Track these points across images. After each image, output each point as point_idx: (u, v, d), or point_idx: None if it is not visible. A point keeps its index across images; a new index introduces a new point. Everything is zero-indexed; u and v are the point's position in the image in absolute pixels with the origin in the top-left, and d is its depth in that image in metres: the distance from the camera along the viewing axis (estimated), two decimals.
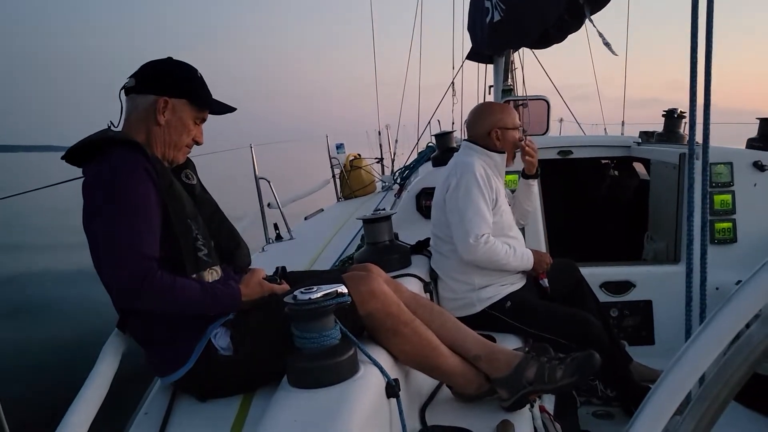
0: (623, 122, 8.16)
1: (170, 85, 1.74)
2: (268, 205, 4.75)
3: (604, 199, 4.73)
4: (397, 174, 5.72)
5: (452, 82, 8.28)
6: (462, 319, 2.52)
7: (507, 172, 3.39)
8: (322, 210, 6.58)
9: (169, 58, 1.80)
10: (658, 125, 4.13)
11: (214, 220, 1.87)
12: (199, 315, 1.68)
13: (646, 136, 4.21)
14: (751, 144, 3.57)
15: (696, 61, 1.52)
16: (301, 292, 1.53)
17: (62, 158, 1.68)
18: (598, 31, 2.69)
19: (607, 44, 2.61)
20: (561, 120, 8.77)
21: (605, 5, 2.80)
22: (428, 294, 2.59)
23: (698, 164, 3.35)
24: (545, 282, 2.75)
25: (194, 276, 1.66)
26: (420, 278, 2.61)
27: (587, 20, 2.87)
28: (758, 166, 3.31)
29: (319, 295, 1.51)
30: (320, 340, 1.52)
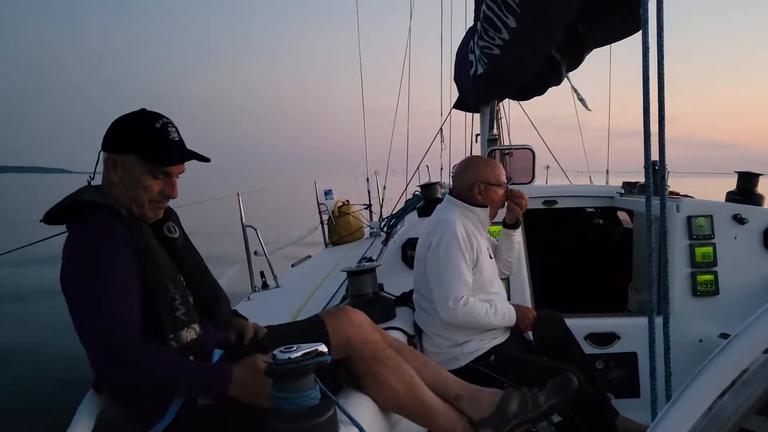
0: (608, 171, 8.29)
1: (117, 142, 1.70)
2: (255, 252, 4.74)
3: (589, 249, 4.76)
4: (384, 222, 5.75)
5: (440, 129, 8.40)
6: None
7: (492, 223, 3.43)
8: (310, 257, 6.58)
9: (140, 111, 1.76)
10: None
11: (196, 274, 1.87)
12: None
13: (629, 187, 4.27)
14: (731, 197, 3.63)
15: (648, 123, 1.57)
16: (281, 351, 1.52)
17: (41, 221, 1.68)
18: (573, 87, 2.77)
19: (581, 100, 2.68)
20: (548, 167, 8.89)
21: (581, 63, 2.89)
22: (413, 347, 2.58)
23: (680, 217, 3.44)
24: (530, 335, 2.75)
25: (171, 336, 1.65)
26: (404, 331, 2.61)
27: (565, 77, 2.96)
28: (738, 219, 3.36)
29: (298, 354, 1.51)
30: (299, 401, 1.50)
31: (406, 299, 2.96)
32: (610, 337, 3.35)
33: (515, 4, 2.84)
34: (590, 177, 7.69)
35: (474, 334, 2.61)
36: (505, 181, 2.81)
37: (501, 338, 2.68)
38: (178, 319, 1.67)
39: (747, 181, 3.60)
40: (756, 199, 3.53)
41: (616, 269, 4.21)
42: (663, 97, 1.53)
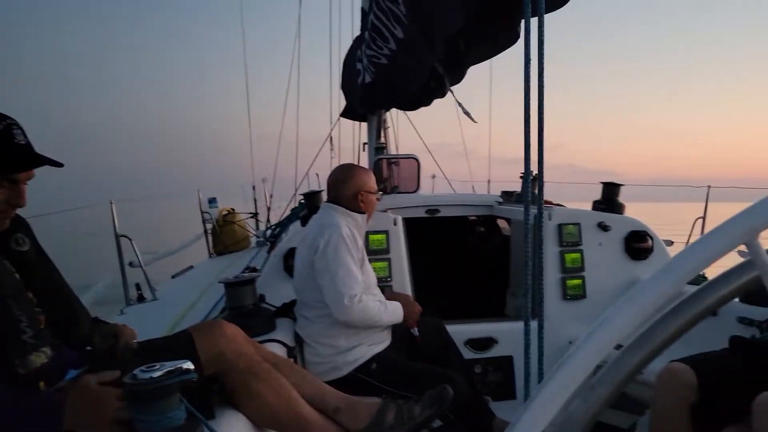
0: (489, 180, 8.62)
1: None
2: (130, 263, 4.49)
3: (470, 256, 4.91)
4: (269, 230, 5.64)
5: (330, 137, 8.38)
6: (329, 384, 2.48)
7: (375, 232, 3.44)
8: (192, 267, 6.33)
9: None
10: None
11: (49, 290, 1.72)
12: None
13: (507, 196, 4.45)
14: (596, 206, 3.87)
15: (529, 140, 1.63)
16: (142, 371, 1.42)
17: None
18: (457, 100, 2.85)
19: (466, 113, 2.76)
20: (434, 176, 9.11)
21: (463, 77, 2.98)
22: (292, 359, 2.53)
23: (551, 225, 3.61)
24: (416, 331, 2.79)
25: (17, 362, 1.49)
26: (284, 343, 2.55)
27: (449, 90, 3.04)
28: (602, 226, 3.59)
29: (161, 373, 1.42)
30: (162, 423, 1.41)
31: (287, 310, 2.90)
32: (488, 342, 3.46)
33: (403, 16, 2.88)
34: (473, 186, 7.96)
35: (357, 338, 2.61)
36: (376, 188, 2.86)
37: (383, 344, 2.69)
38: (25, 343, 1.51)
39: (610, 191, 3.85)
40: (618, 208, 3.79)
41: (496, 275, 4.37)
42: (542, 111, 1.59)
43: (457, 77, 3.08)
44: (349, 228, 2.64)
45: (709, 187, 4.88)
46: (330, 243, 2.56)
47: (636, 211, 3.91)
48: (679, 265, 0.56)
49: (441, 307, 3.87)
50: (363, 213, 2.76)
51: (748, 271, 0.59)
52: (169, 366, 1.44)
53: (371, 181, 2.80)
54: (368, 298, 2.58)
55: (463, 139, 7.16)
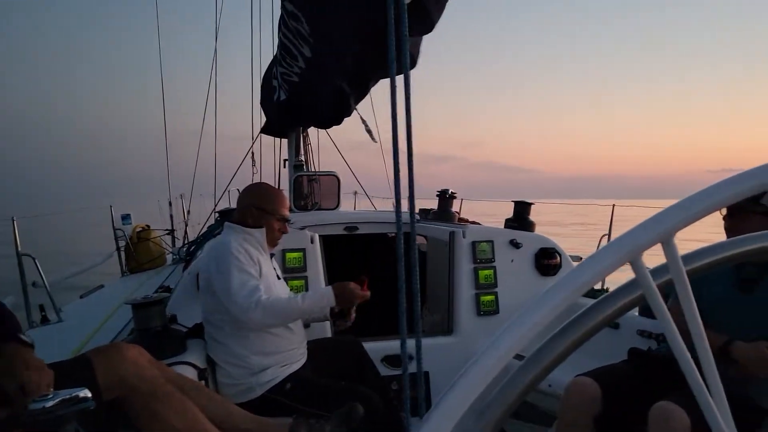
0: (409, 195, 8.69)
1: None
2: (33, 284, 4.26)
3: (389, 273, 4.94)
4: (185, 248, 5.50)
5: (252, 153, 8.26)
6: (242, 406, 2.43)
7: (291, 250, 3.42)
8: (103, 286, 6.07)
9: None
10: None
11: None
12: None
13: (425, 213, 4.53)
14: (508, 224, 4.01)
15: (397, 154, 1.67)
16: (35, 401, 1.36)
17: None
18: (362, 119, 2.88)
19: (368, 132, 2.80)
20: (355, 193, 9.14)
21: (366, 94, 3.02)
22: (203, 381, 2.47)
23: (466, 242, 3.71)
24: (349, 323, 2.83)
25: None
26: (195, 365, 2.48)
27: (354, 109, 3.07)
28: (514, 243, 3.72)
29: (54, 402, 1.36)
30: None
31: (199, 331, 2.83)
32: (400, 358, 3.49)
33: (308, 35, 2.90)
34: (393, 203, 8.03)
35: (270, 359, 2.58)
36: (284, 215, 2.79)
37: (298, 364, 2.67)
38: None
39: (522, 209, 4.00)
40: (528, 226, 3.93)
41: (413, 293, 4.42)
42: (410, 131, 1.64)
43: (361, 94, 3.12)
44: (239, 244, 2.61)
45: (614, 205, 5.14)
46: (220, 259, 2.54)
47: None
48: (569, 281, 0.59)
49: (359, 324, 3.88)
50: (259, 227, 2.72)
51: (635, 289, 0.62)
52: (64, 394, 1.38)
53: (269, 201, 2.76)
54: (272, 294, 2.53)
55: (381, 148, 7.18)
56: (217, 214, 4.98)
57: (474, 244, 3.67)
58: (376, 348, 3.39)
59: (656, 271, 0.63)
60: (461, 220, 4.36)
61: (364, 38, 2.49)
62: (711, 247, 0.65)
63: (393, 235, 5.07)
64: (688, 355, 0.60)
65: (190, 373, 2.38)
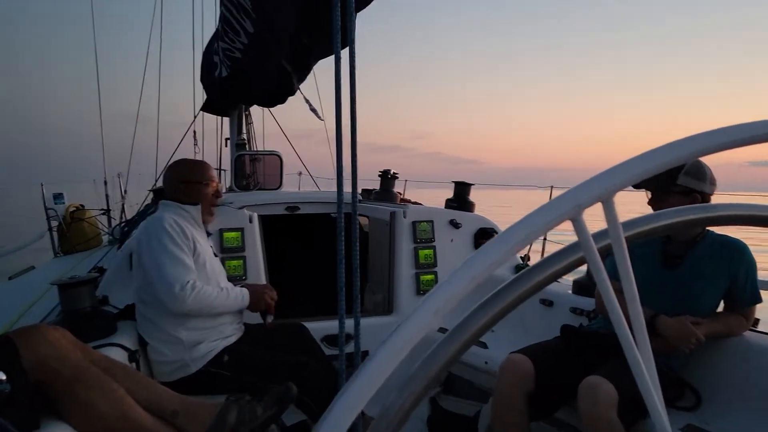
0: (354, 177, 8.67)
1: None
2: None
3: (331, 253, 4.93)
4: (120, 228, 5.33)
5: (194, 132, 8.05)
6: (179, 383, 2.40)
7: (229, 229, 3.36)
8: (33, 268, 5.83)
9: None
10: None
11: None
12: None
13: (367, 193, 4.52)
14: (448, 204, 4.04)
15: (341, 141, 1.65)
16: None
17: None
18: (305, 98, 2.84)
19: (313, 110, 2.76)
20: (300, 174, 9.05)
21: (308, 74, 2.97)
22: (134, 363, 2.40)
23: (406, 222, 3.72)
24: (270, 318, 2.76)
25: None
26: (125, 347, 2.41)
27: (297, 89, 3.02)
28: (454, 223, 3.75)
29: None
30: None
31: (131, 312, 2.76)
32: (345, 338, 3.48)
33: (250, 8, 2.82)
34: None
35: (204, 333, 2.55)
36: (211, 177, 2.77)
37: (234, 336, 2.65)
38: None
39: (461, 190, 4.04)
40: (468, 206, 3.98)
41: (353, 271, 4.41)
42: (355, 112, 1.62)
43: (303, 74, 3.07)
44: (174, 219, 2.56)
45: (552, 187, 5.26)
46: (152, 236, 2.50)
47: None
48: (509, 236, 0.57)
49: (301, 304, 3.85)
50: (194, 204, 2.70)
51: (574, 251, 0.61)
52: None
53: (192, 171, 2.74)
54: (203, 284, 2.50)
55: (326, 130, 7.09)
56: (152, 193, 4.83)
57: (414, 224, 3.69)
58: (317, 328, 3.38)
59: (596, 236, 0.63)
60: (403, 200, 4.37)
61: (307, 13, 2.45)
62: (649, 216, 0.65)
63: (336, 215, 5.05)
64: (623, 320, 0.60)
65: (120, 355, 2.32)
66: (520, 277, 0.64)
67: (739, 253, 2.37)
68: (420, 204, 4.29)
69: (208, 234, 2.82)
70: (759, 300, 2.41)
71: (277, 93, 3.72)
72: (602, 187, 0.56)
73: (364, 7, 2.34)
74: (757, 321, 2.64)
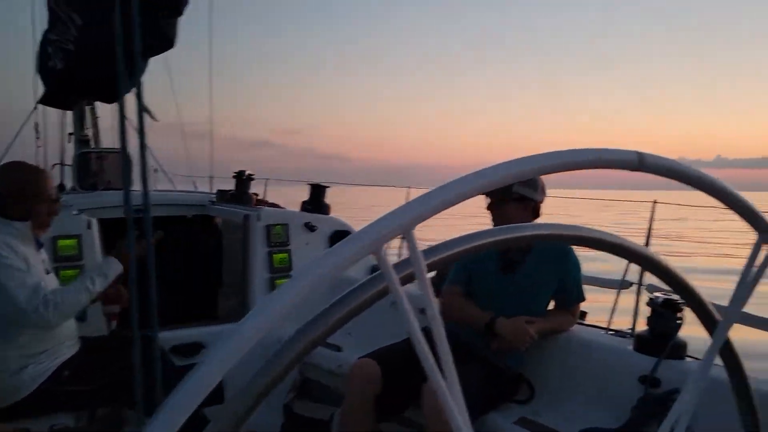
0: (211, 177, 8.37)
1: None
2: None
3: (185, 258, 4.73)
4: None
5: (35, 123, 7.34)
6: (10, 409, 2.28)
7: (64, 236, 3.11)
8: None
9: None
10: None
11: None
12: None
13: (222, 195, 4.39)
14: (304, 207, 4.02)
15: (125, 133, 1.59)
16: None
17: None
18: (138, 97, 2.69)
19: (146, 111, 2.61)
20: (156, 171, 8.59)
21: (143, 73, 2.83)
22: None
23: (260, 225, 3.65)
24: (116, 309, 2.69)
25: None
26: None
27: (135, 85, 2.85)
28: (309, 226, 3.74)
29: None
30: None
31: None
32: (195, 348, 3.36)
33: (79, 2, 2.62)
34: (194, 182, 7.68)
35: (30, 360, 2.36)
36: (46, 193, 2.48)
37: (69, 352, 2.50)
38: None
39: (317, 193, 4.03)
40: (324, 208, 3.98)
41: (210, 277, 4.28)
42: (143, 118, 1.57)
43: (139, 70, 2.92)
44: (2, 239, 2.32)
45: (409, 187, 5.39)
46: None
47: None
48: (311, 271, 0.56)
49: (148, 314, 3.64)
50: (23, 219, 2.42)
51: (379, 282, 0.61)
52: None
53: (29, 186, 2.43)
54: (57, 287, 2.39)
55: (180, 121, 6.75)
56: None
57: (269, 227, 3.63)
58: (165, 338, 3.22)
59: (402, 264, 0.64)
60: (260, 202, 4.28)
61: (128, 12, 2.31)
62: (449, 241, 0.67)
63: (191, 217, 4.84)
64: (422, 338, 0.61)
65: None
66: (326, 312, 0.65)
67: (565, 256, 2.57)
68: (278, 206, 4.23)
69: (40, 245, 2.58)
70: (583, 298, 2.64)
71: (112, 89, 3.49)
72: (400, 221, 0.57)
73: (178, 15, 2.28)
74: (584, 314, 2.89)
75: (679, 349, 2.32)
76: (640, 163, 0.63)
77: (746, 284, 0.75)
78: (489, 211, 2.61)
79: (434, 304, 0.62)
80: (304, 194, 4.14)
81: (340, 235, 3.82)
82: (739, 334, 0.87)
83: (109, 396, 2.52)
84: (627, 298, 3.34)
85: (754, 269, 0.74)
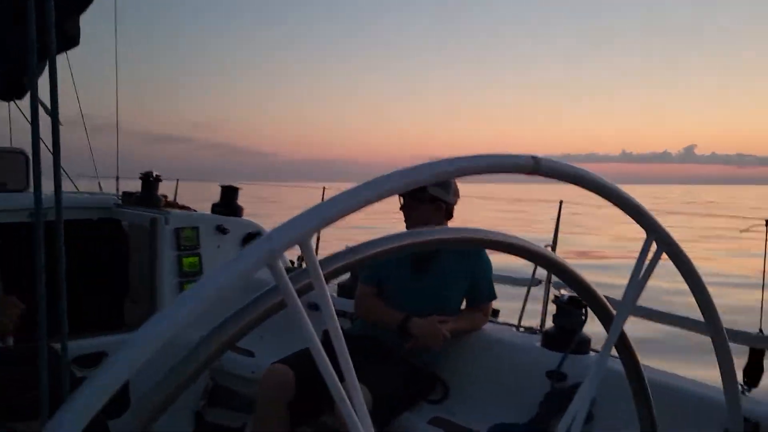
0: (117, 177, 8.00)
1: None
2: None
3: (88, 263, 4.49)
4: None
5: None
6: None
7: None
8: None
9: None
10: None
11: None
12: None
13: (128, 197, 4.20)
14: (215, 209, 3.90)
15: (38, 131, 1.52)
16: None
17: None
18: (40, 101, 2.53)
19: (45, 110, 2.46)
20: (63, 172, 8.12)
21: (43, 71, 2.67)
22: None
23: (168, 229, 3.52)
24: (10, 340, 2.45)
25: None
26: None
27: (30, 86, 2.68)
28: (221, 229, 3.64)
29: None
30: None
31: None
32: (98, 358, 3.20)
33: None
34: (99, 183, 7.32)
35: None
36: None
37: None
38: None
39: (229, 195, 3.92)
40: (236, 211, 3.88)
41: (116, 283, 4.08)
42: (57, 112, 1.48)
43: (36, 70, 2.73)
44: None
45: (324, 188, 5.35)
46: None
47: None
48: (203, 287, 0.53)
49: (51, 324, 3.43)
50: None
51: (275, 294, 0.60)
52: None
53: None
54: None
55: (83, 120, 6.38)
56: None
57: (178, 230, 3.51)
58: (70, 347, 3.04)
59: (300, 274, 0.61)
60: (169, 204, 4.12)
61: (17, 11, 2.16)
62: (350, 249, 0.66)
63: (96, 220, 4.60)
64: (320, 346, 0.59)
65: None
66: (222, 325, 0.62)
67: (476, 255, 2.62)
68: (189, 208, 4.09)
69: None
70: (494, 297, 2.70)
71: (4, 88, 3.26)
72: (296, 231, 0.56)
73: (82, 11, 2.16)
74: (496, 312, 2.95)
75: (583, 345, 2.41)
76: (535, 167, 0.64)
77: (637, 281, 0.78)
78: (402, 212, 2.62)
79: (333, 314, 0.61)
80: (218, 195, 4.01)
81: (252, 237, 3.74)
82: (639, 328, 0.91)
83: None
84: (539, 295, 3.44)
85: (645, 266, 0.77)
